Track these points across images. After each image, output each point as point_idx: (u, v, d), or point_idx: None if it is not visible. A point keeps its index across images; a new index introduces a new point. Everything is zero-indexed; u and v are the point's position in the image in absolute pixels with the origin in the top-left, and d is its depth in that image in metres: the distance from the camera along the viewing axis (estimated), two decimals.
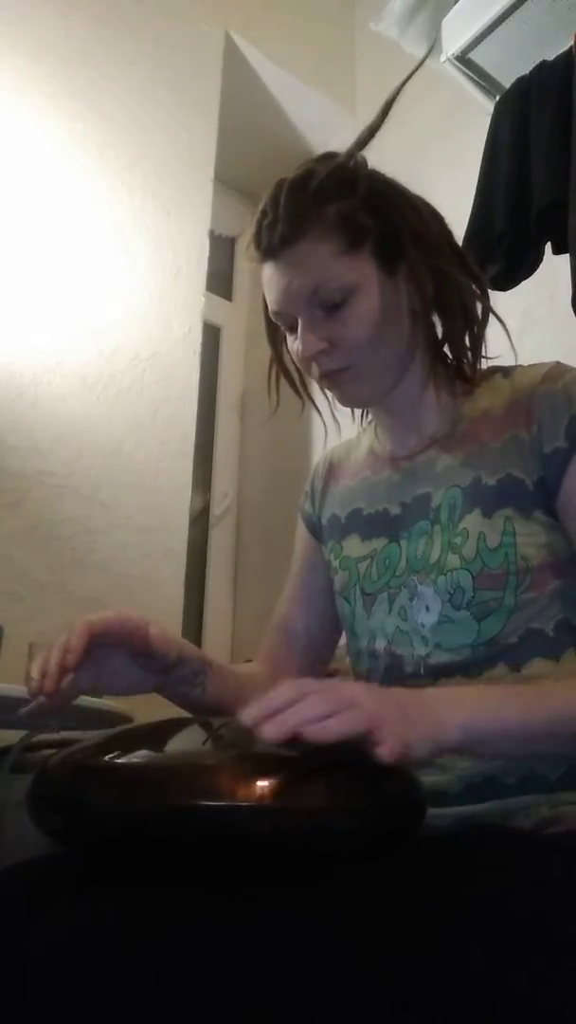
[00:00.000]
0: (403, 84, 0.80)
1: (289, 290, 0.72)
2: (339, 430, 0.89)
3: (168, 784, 0.48)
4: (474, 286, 0.78)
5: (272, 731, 0.49)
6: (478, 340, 0.79)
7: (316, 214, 0.71)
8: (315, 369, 0.76)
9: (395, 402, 0.80)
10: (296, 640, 0.90)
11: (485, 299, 0.79)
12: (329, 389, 0.79)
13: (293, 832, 0.48)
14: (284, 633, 0.91)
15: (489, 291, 0.80)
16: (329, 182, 0.72)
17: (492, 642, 0.69)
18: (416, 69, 0.81)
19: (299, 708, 0.51)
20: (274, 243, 0.72)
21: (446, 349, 0.80)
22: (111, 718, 1.11)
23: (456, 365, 0.80)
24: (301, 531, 0.95)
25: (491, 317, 0.80)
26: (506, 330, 0.80)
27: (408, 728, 0.53)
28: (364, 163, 0.76)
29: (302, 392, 0.85)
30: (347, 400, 0.80)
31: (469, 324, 0.78)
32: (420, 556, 0.75)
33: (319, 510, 0.91)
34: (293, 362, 0.81)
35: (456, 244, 0.80)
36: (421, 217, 0.76)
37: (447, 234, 0.79)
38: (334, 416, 0.87)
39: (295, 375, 0.84)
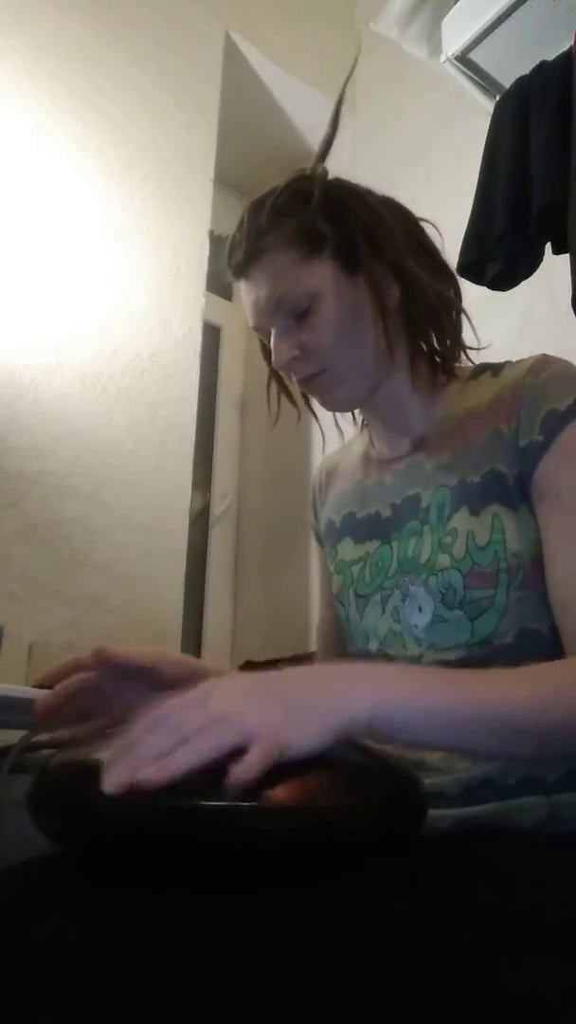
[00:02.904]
0: (343, 93, 0.85)
1: (258, 304, 0.76)
2: (342, 437, 0.91)
3: (168, 784, 0.48)
4: (441, 286, 0.78)
5: (113, 787, 0.45)
6: (455, 333, 0.79)
7: (275, 229, 0.74)
8: (294, 376, 0.78)
9: (381, 404, 0.81)
10: (337, 642, 0.90)
11: (456, 297, 0.80)
12: (311, 395, 0.81)
13: (294, 832, 0.48)
14: (325, 636, 0.94)
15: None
16: (284, 197, 0.75)
17: (486, 642, 0.69)
18: (350, 75, 0.87)
19: (139, 750, 0.46)
20: (240, 262, 0.76)
21: (425, 344, 0.80)
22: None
23: (439, 361, 0.80)
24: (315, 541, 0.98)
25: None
26: (471, 323, 0.82)
27: (290, 726, 0.49)
28: (323, 174, 0.78)
29: (300, 403, 0.87)
30: (329, 404, 0.81)
31: (440, 319, 0.78)
32: (411, 556, 0.75)
33: (320, 518, 0.93)
34: None
35: (423, 240, 0.81)
36: (378, 217, 0.77)
37: (412, 231, 0.80)
38: (337, 424, 0.88)
39: (293, 388, 0.85)
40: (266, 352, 0.84)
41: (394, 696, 0.53)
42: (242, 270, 0.77)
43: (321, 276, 0.74)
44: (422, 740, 0.59)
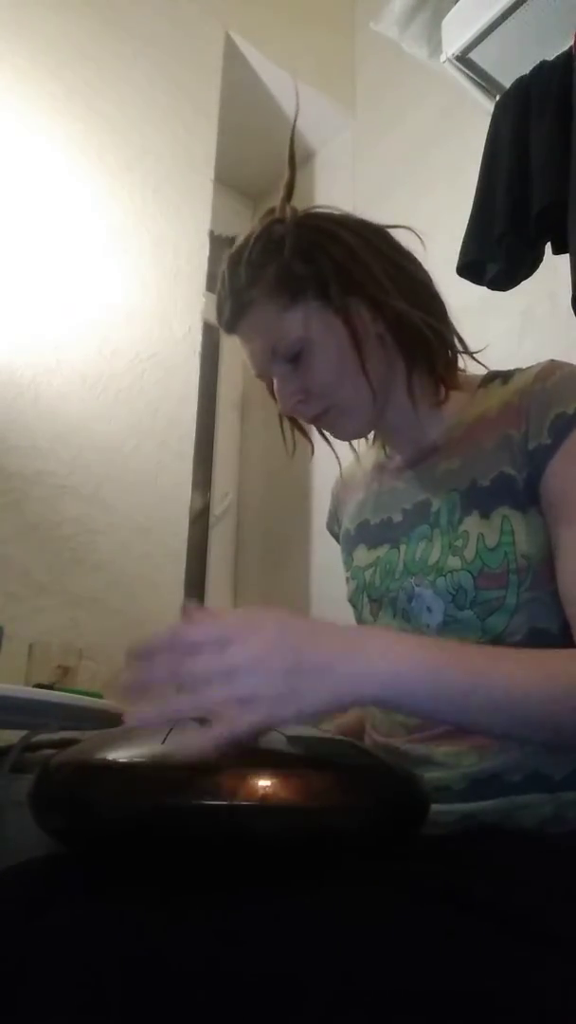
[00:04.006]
0: (293, 135, 0.87)
1: (254, 356, 0.79)
2: (354, 451, 0.95)
3: (170, 783, 0.48)
4: (425, 310, 0.78)
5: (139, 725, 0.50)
6: (445, 350, 0.79)
7: (255, 283, 0.75)
8: (301, 417, 0.81)
9: (389, 423, 0.83)
10: None
11: (442, 318, 0.80)
12: (323, 429, 0.84)
13: (295, 831, 0.48)
14: None
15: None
16: (258, 248, 0.76)
17: (496, 640, 0.69)
18: (294, 127, 0.88)
19: (142, 677, 0.50)
20: (229, 320, 0.79)
21: (420, 366, 0.80)
22: (111, 718, 1.11)
23: (439, 373, 0.80)
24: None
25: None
26: (462, 343, 0.82)
27: (289, 698, 0.50)
28: (292, 215, 0.78)
29: (311, 439, 0.89)
30: (341, 435, 0.83)
31: (429, 342, 0.78)
32: (418, 559, 0.76)
33: (340, 529, 0.95)
34: None
35: (402, 264, 0.80)
36: (352, 252, 0.76)
37: (392, 256, 0.79)
38: (352, 447, 0.91)
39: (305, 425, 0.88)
40: (273, 396, 0.85)
41: (402, 672, 0.54)
42: (232, 327, 0.79)
43: (307, 320, 0.75)
44: (428, 717, 0.64)
